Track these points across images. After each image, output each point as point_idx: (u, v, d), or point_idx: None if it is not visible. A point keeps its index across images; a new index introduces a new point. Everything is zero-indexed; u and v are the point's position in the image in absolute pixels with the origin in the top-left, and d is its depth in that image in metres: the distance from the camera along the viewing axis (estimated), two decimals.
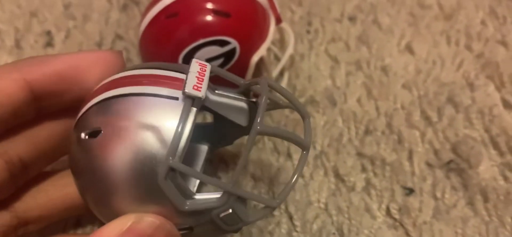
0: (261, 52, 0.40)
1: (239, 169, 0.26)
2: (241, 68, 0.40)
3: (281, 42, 0.47)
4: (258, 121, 0.25)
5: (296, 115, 0.45)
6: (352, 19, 0.53)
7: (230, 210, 0.26)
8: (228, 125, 0.32)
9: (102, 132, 0.25)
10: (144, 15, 0.41)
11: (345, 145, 0.42)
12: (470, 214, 0.38)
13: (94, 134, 0.26)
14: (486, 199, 0.39)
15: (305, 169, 0.41)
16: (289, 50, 0.44)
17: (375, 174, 0.41)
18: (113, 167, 0.25)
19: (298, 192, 0.40)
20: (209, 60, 0.39)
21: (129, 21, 0.52)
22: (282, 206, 0.39)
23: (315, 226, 0.38)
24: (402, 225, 0.38)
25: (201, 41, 0.38)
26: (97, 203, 0.28)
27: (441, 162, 0.41)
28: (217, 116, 0.35)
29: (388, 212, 0.39)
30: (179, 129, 0.25)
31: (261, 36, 0.41)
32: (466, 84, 0.46)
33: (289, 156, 0.42)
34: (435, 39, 0.50)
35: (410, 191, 0.39)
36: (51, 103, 0.29)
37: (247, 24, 0.40)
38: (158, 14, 0.39)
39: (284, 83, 0.46)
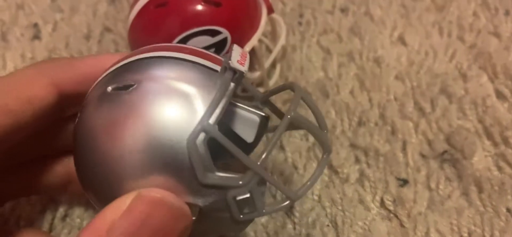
0: (253, 42, 0.40)
1: (268, 152, 0.25)
2: None
3: (273, 34, 0.46)
4: (292, 107, 0.26)
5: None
6: (344, 10, 0.52)
7: (248, 194, 0.25)
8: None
9: (135, 85, 0.25)
10: (132, 5, 0.40)
11: (338, 136, 0.42)
12: (465, 204, 0.38)
13: (124, 88, 0.25)
14: (480, 190, 0.38)
15: (298, 161, 0.40)
16: (282, 41, 0.43)
17: (368, 165, 0.40)
18: (139, 124, 0.24)
19: (295, 184, 0.39)
20: None
21: (118, 13, 0.51)
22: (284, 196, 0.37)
23: (309, 218, 0.37)
24: (396, 216, 0.37)
25: (192, 31, 0.37)
26: (102, 171, 0.25)
27: (435, 152, 0.40)
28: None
29: (382, 204, 0.38)
30: (218, 95, 0.24)
31: (253, 26, 0.40)
32: (459, 75, 0.46)
33: (282, 148, 0.41)
34: (427, 30, 0.50)
35: (404, 182, 0.39)
36: (74, 105, 0.30)
37: (238, 14, 0.39)
38: (147, 4, 0.39)
39: (276, 74, 0.46)
